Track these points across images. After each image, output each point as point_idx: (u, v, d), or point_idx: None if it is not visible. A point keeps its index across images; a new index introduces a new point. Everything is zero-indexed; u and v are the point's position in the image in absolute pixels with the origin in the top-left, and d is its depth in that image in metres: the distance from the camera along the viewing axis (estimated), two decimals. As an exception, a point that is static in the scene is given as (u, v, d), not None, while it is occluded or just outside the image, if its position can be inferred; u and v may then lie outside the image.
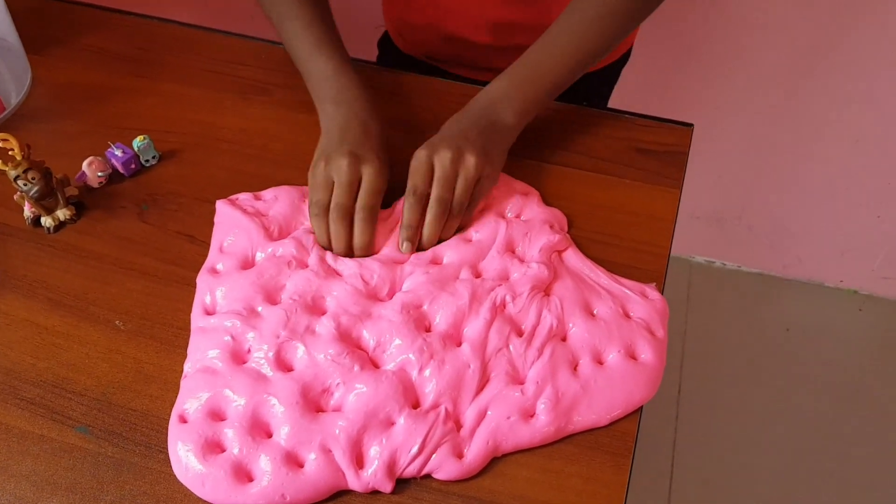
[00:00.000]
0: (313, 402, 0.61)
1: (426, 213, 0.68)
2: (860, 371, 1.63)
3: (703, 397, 1.58)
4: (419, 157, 0.69)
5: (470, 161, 0.68)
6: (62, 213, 0.73)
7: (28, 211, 0.73)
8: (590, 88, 1.02)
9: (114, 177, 0.77)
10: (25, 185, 0.69)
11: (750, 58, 1.38)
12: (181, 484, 0.59)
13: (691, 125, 0.83)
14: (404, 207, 0.69)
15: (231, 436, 0.60)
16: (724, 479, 1.49)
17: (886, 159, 1.47)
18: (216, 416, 0.61)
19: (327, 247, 0.70)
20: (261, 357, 0.63)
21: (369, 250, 0.69)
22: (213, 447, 0.60)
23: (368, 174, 0.69)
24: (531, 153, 0.80)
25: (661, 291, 0.70)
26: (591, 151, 0.80)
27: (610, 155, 0.80)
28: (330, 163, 0.69)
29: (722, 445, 1.52)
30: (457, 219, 0.69)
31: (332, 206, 0.68)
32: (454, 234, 0.71)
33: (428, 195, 0.69)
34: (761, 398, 1.59)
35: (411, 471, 0.59)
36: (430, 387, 0.62)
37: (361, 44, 0.96)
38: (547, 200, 0.76)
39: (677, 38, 1.39)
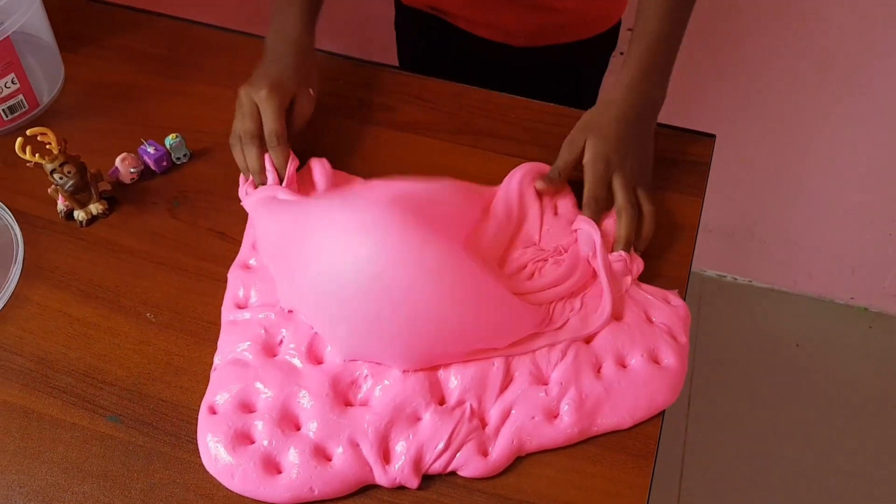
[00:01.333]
0: (342, 395, 0.62)
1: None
2: (870, 388, 1.63)
3: (712, 412, 1.58)
4: (597, 171, 0.72)
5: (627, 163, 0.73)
6: (95, 208, 0.74)
7: (62, 204, 0.74)
8: (580, 80, 1.05)
9: (145, 173, 0.79)
10: (61, 178, 0.71)
11: (765, 73, 1.39)
12: (210, 474, 0.60)
13: (713, 136, 0.84)
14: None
15: (260, 428, 0.61)
16: (732, 494, 1.49)
17: (899, 177, 1.48)
18: (246, 407, 0.62)
19: (245, 172, 0.75)
20: (293, 349, 0.64)
21: (286, 170, 0.74)
22: (243, 439, 0.61)
23: (267, 104, 0.73)
24: (552, 159, 0.81)
25: (683, 298, 0.71)
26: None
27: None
28: (240, 111, 0.75)
29: (730, 461, 1.53)
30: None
31: (242, 131, 0.74)
32: None
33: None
34: (770, 414, 1.59)
35: (437, 467, 0.60)
36: (454, 383, 0.63)
37: None
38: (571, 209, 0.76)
39: (692, 51, 1.40)
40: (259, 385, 0.62)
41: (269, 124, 0.73)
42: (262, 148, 0.74)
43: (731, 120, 1.48)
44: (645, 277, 0.72)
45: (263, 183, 0.74)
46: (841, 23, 1.28)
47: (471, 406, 0.62)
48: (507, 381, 0.63)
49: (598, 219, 0.71)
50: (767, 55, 1.36)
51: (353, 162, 0.80)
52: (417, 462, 0.60)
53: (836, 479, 1.50)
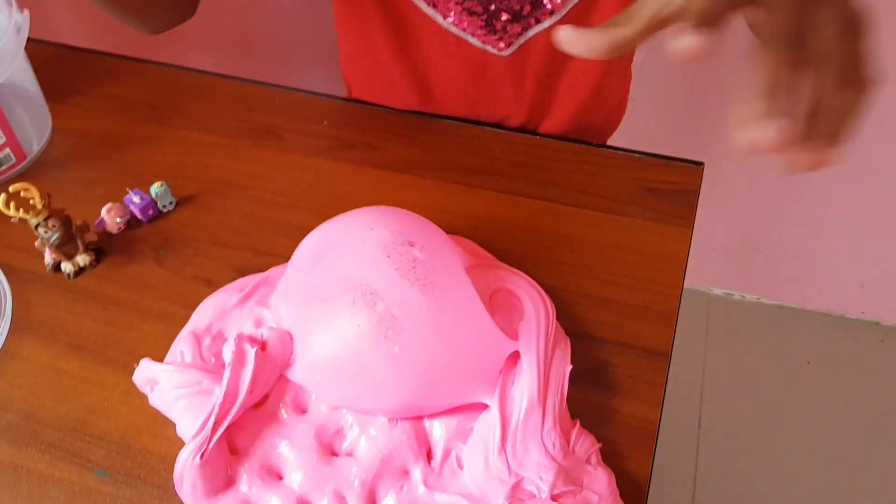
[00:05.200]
0: (327, 446, 0.62)
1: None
2: (884, 403, 1.61)
3: (723, 431, 1.56)
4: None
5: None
6: (82, 259, 0.75)
7: (49, 257, 0.74)
8: None
9: (132, 222, 0.79)
10: (46, 232, 0.71)
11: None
12: (197, 527, 0.60)
13: (702, 164, 0.83)
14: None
15: (242, 472, 0.61)
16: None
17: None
18: (231, 452, 0.62)
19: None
20: (278, 400, 0.64)
21: None
22: (225, 485, 0.60)
23: None
24: (539, 192, 0.81)
25: (675, 329, 0.70)
26: (601, 191, 0.81)
27: (619, 195, 0.81)
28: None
29: (742, 478, 1.50)
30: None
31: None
32: None
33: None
34: (783, 432, 1.57)
35: None
36: (439, 432, 0.62)
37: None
38: (556, 241, 0.76)
39: (692, 67, 1.40)
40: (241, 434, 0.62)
41: None
42: None
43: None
44: (634, 311, 0.71)
45: None
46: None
47: (457, 458, 0.61)
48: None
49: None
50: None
51: (338, 202, 0.79)
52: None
53: (849, 497, 1.48)
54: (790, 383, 1.64)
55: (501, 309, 0.67)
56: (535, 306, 0.67)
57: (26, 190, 0.69)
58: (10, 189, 0.69)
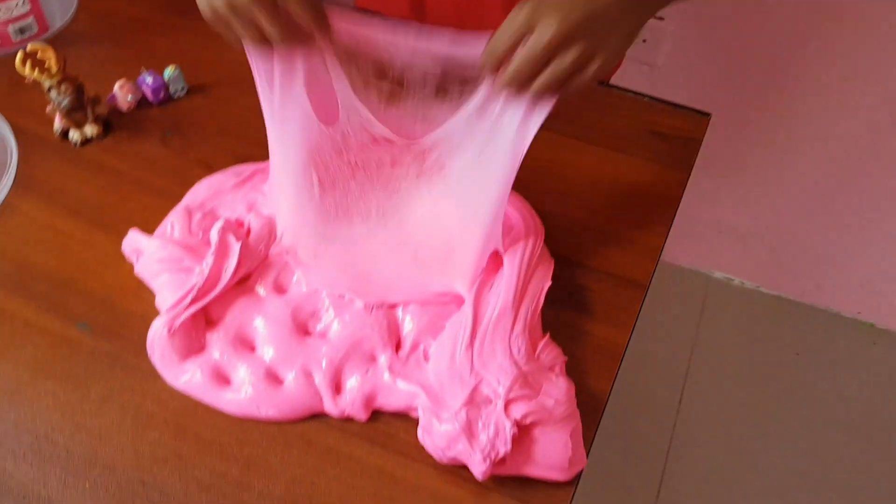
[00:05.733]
0: (301, 325, 0.64)
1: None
2: (868, 404, 1.61)
3: (703, 409, 1.58)
4: (517, 17, 0.52)
5: (577, 49, 0.51)
6: (90, 130, 0.76)
7: (58, 123, 0.76)
8: None
9: (142, 103, 0.81)
10: (58, 96, 0.73)
11: (787, 76, 1.38)
12: (168, 384, 0.62)
13: (709, 114, 0.84)
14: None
15: (214, 341, 0.63)
16: (712, 494, 1.48)
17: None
18: (206, 322, 0.64)
19: (244, 42, 0.59)
20: (258, 279, 0.66)
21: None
22: (197, 349, 0.63)
23: None
24: (547, 123, 0.81)
25: (656, 264, 0.71)
26: (606, 129, 0.82)
27: (625, 134, 0.82)
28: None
29: (715, 461, 1.52)
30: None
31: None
32: None
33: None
34: (761, 418, 1.58)
35: (389, 409, 0.61)
36: (409, 326, 0.64)
37: None
38: (555, 170, 0.77)
39: (711, 42, 1.40)
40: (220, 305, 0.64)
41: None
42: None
43: (752, 120, 1.47)
44: (620, 242, 0.72)
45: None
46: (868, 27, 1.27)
47: (424, 351, 0.63)
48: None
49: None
50: (792, 57, 1.35)
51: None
52: (369, 400, 0.61)
53: (820, 489, 1.49)
54: (776, 373, 1.65)
55: None
56: (525, 223, 0.68)
57: (43, 51, 0.71)
58: (28, 48, 0.71)
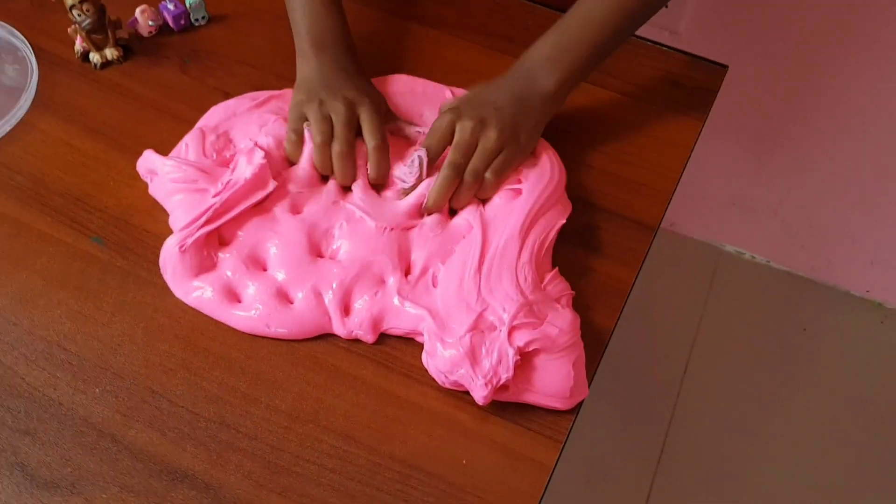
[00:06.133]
0: (314, 246, 0.64)
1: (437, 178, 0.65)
2: (873, 382, 1.61)
3: (707, 382, 1.58)
4: (442, 119, 0.67)
5: (492, 134, 0.65)
6: (110, 53, 0.77)
7: (79, 45, 0.77)
8: None
9: (163, 29, 0.81)
10: (79, 15, 0.73)
11: (811, 48, 1.37)
12: (180, 300, 0.63)
13: (726, 66, 0.84)
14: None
15: (226, 259, 0.63)
16: (713, 465, 1.49)
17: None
18: (220, 242, 0.65)
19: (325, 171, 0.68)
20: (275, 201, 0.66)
21: (385, 180, 0.68)
22: (208, 267, 0.63)
23: (366, 112, 0.67)
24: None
25: (666, 207, 0.71)
26: (624, 75, 0.82)
27: (642, 81, 0.82)
28: (325, 104, 0.67)
29: (719, 431, 1.52)
30: (471, 189, 0.65)
31: (337, 141, 0.66)
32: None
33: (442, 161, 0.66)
34: (767, 391, 1.58)
35: (395, 332, 0.62)
36: (419, 253, 0.64)
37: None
38: (573, 114, 0.77)
39: (734, 9, 1.39)
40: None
41: (376, 136, 0.67)
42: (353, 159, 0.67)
43: (772, 92, 1.46)
44: (630, 185, 0.73)
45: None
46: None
47: (433, 276, 0.63)
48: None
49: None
50: (818, 34, 1.34)
51: (365, 47, 0.80)
52: (377, 323, 0.62)
53: (824, 462, 1.50)
54: (782, 347, 1.65)
55: None
56: (550, 163, 0.69)
57: (67, -31, 0.71)
58: (52, -36, 0.71)
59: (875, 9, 1.26)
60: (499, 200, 0.65)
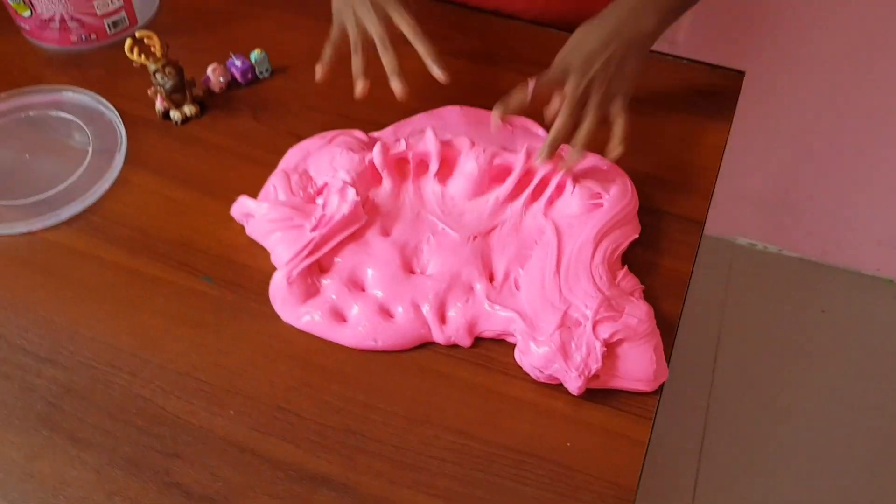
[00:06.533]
0: (406, 264, 0.71)
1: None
2: (891, 358, 1.69)
3: (737, 370, 1.65)
4: (555, 70, 0.73)
5: (604, 89, 0.73)
6: (188, 109, 0.84)
7: (160, 105, 0.84)
8: None
9: (232, 84, 0.88)
10: (162, 78, 0.81)
11: (807, 46, 1.46)
12: (290, 325, 0.70)
13: (743, 72, 0.91)
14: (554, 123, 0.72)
15: (328, 285, 0.70)
16: (752, 444, 1.56)
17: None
18: (319, 270, 0.72)
19: (359, 72, 0.77)
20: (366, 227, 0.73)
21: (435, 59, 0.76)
22: (313, 293, 0.70)
23: (399, 15, 0.75)
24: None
25: (709, 202, 0.79)
26: (652, 89, 0.89)
27: (669, 91, 0.89)
28: (358, 9, 0.76)
29: (755, 414, 1.59)
30: (593, 127, 0.73)
31: (377, 37, 0.76)
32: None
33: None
34: (794, 373, 1.65)
35: (488, 334, 0.69)
36: (500, 260, 0.71)
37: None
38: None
39: (729, 17, 1.48)
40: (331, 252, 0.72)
41: (410, 24, 0.75)
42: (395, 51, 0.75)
43: (770, 90, 1.54)
44: (673, 185, 0.80)
45: (402, 90, 0.76)
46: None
47: (515, 280, 0.70)
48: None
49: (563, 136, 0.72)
50: (807, 26, 1.43)
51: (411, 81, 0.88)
52: (472, 327, 0.69)
53: (854, 438, 1.57)
54: (804, 330, 1.72)
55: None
56: (629, 186, 0.76)
57: (149, 38, 0.79)
58: (136, 34, 0.78)
59: (864, 8, 1.35)
60: (576, 209, 0.72)
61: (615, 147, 0.74)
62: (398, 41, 0.77)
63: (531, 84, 0.73)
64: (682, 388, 1.58)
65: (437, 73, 0.76)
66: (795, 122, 1.60)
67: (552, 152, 0.73)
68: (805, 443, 1.56)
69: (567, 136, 0.73)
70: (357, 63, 0.78)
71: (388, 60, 0.76)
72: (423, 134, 0.77)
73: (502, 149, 0.76)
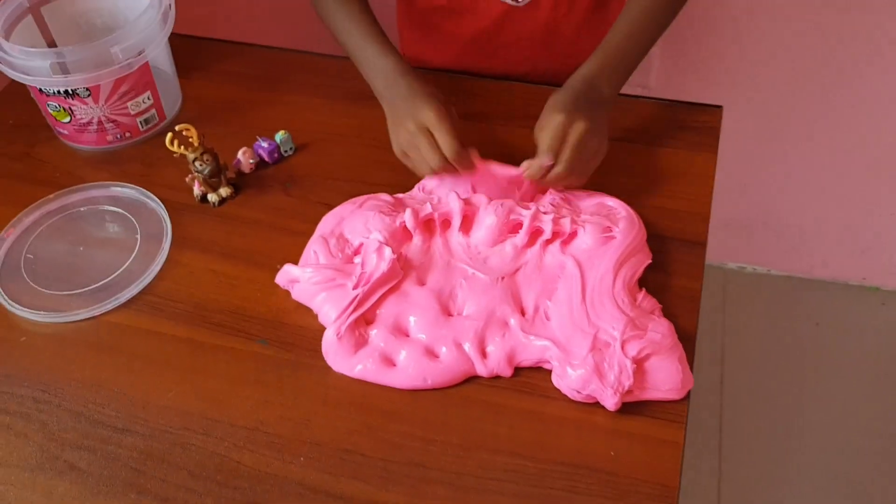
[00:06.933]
0: (444, 308, 0.78)
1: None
2: (884, 359, 1.76)
3: (743, 389, 1.72)
4: (557, 128, 0.81)
5: (595, 139, 0.83)
6: (224, 191, 0.92)
7: (197, 190, 0.92)
8: None
9: (260, 165, 0.96)
10: (201, 165, 0.88)
11: (766, 66, 1.57)
12: (344, 375, 0.76)
13: (720, 107, 1.01)
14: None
15: (375, 334, 0.77)
16: (768, 454, 1.62)
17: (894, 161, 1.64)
18: (365, 322, 0.79)
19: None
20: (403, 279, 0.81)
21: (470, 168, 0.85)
22: (361, 344, 0.77)
23: (439, 133, 0.82)
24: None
25: (708, 225, 0.87)
26: (642, 129, 0.98)
27: (656, 131, 0.98)
28: (412, 138, 0.84)
29: (765, 428, 1.66)
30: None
31: (434, 164, 0.83)
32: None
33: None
34: (796, 386, 1.72)
35: (526, 363, 0.76)
36: (529, 295, 0.79)
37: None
38: (612, 168, 0.91)
39: (695, 60, 1.59)
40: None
41: (453, 147, 0.82)
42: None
43: (742, 120, 1.65)
44: (673, 214, 0.88)
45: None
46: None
47: (545, 312, 0.78)
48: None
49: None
50: (769, 48, 1.54)
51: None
52: (511, 358, 0.75)
53: (855, 440, 1.63)
54: (801, 344, 1.80)
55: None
56: (636, 218, 0.84)
57: (187, 130, 0.87)
58: (176, 128, 0.86)
59: (828, 37, 1.47)
60: (591, 243, 0.80)
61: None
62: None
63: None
64: (694, 408, 1.64)
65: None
66: (769, 147, 1.70)
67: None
68: (816, 448, 1.63)
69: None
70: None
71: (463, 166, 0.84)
72: (446, 196, 0.86)
73: (513, 202, 0.84)
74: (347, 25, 0.94)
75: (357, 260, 0.82)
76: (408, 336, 0.78)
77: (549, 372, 0.75)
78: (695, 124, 0.99)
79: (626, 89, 0.94)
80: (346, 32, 0.94)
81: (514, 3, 1.02)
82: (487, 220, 0.83)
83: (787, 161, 1.71)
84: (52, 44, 1.03)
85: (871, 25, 1.43)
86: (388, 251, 0.79)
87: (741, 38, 1.53)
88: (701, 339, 0.80)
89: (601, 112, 0.86)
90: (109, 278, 0.85)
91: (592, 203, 0.86)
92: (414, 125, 0.84)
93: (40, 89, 0.92)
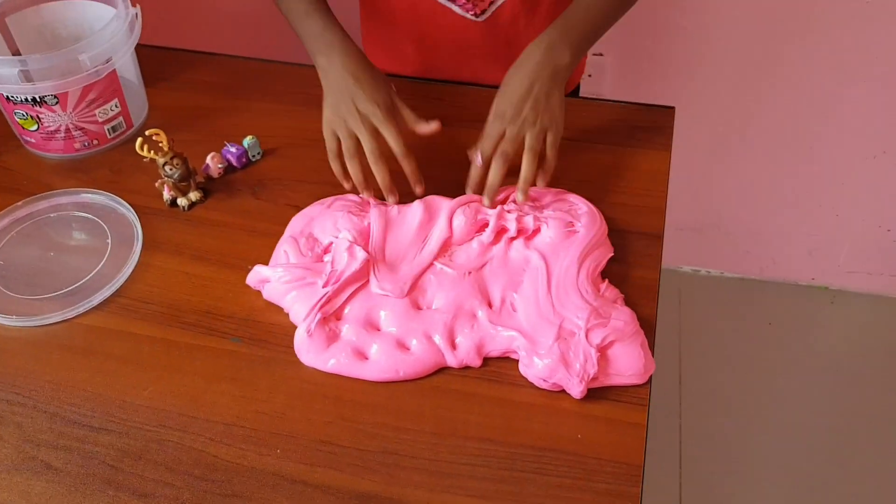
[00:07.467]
0: (414, 302, 0.81)
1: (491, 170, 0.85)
2: (834, 355, 1.84)
3: (700, 389, 1.77)
4: (493, 127, 0.86)
5: (536, 127, 0.85)
6: (194, 195, 0.93)
7: (167, 194, 0.93)
8: None
9: (229, 169, 0.98)
10: (171, 170, 0.90)
11: (719, 75, 1.63)
12: (318, 370, 0.78)
13: (673, 107, 1.05)
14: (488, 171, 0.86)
15: (346, 329, 0.79)
16: (728, 449, 1.66)
17: (837, 162, 1.71)
18: (336, 317, 0.81)
19: (361, 185, 0.88)
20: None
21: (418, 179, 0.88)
22: (333, 339, 0.79)
23: (386, 129, 0.86)
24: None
25: (664, 219, 0.91)
26: (597, 129, 1.02)
27: (612, 130, 1.02)
28: (348, 121, 0.86)
29: (724, 426, 1.71)
30: (533, 164, 0.85)
31: (368, 152, 0.86)
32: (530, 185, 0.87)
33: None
34: (751, 383, 1.78)
35: (494, 353, 0.79)
36: (496, 288, 0.82)
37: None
38: (569, 168, 0.95)
39: (646, 67, 1.64)
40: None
41: (398, 143, 0.86)
42: (388, 165, 0.86)
43: (692, 126, 1.71)
44: (631, 210, 0.92)
45: (395, 200, 0.88)
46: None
47: (511, 304, 0.81)
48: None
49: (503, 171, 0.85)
50: (719, 54, 1.60)
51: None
52: (480, 349, 0.78)
53: (810, 433, 1.69)
54: (755, 343, 1.86)
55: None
56: (597, 214, 0.88)
57: (157, 134, 0.88)
58: (146, 133, 0.88)
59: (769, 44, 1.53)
60: (555, 237, 0.83)
61: (541, 181, 0.88)
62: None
63: (477, 157, 0.87)
64: (654, 405, 1.69)
65: (418, 191, 0.89)
66: (718, 151, 1.76)
67: (494, 196, 0.87)
68: (770, 440, 1.68)
69: (503, 178, 0.86)
70: (355, 170, 0.88)
71: (380, 177, 0.87)
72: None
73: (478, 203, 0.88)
74: (295, 4, 0.94)
75: (327, 258, 0.84)
76: (379, 330, 0.80)
77: (517, 361, 0.78)
78: (648, 124, 1.04)
79: (583, 92, 0.98)
80: (294, 11, 0.94)
81: (473, 19, 1.05)
82: (456, 221, 0.85)
83: (736, 165, 1.78)
84: (16, 54, 1.03)
85: (817, 31, 1.50)
86: (359, 251, 0.82)
87: (691, 45, 1.59)
88: (660, 340, 0.84)
89: (557, 84, 0.87)
90: (81, 282, 0.86)
91: (555, 200, 0.90)
92: (356, 110, 0.87)
93: (7, 97, 0.93)
